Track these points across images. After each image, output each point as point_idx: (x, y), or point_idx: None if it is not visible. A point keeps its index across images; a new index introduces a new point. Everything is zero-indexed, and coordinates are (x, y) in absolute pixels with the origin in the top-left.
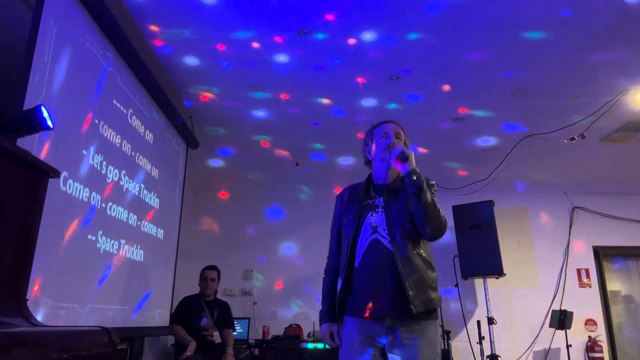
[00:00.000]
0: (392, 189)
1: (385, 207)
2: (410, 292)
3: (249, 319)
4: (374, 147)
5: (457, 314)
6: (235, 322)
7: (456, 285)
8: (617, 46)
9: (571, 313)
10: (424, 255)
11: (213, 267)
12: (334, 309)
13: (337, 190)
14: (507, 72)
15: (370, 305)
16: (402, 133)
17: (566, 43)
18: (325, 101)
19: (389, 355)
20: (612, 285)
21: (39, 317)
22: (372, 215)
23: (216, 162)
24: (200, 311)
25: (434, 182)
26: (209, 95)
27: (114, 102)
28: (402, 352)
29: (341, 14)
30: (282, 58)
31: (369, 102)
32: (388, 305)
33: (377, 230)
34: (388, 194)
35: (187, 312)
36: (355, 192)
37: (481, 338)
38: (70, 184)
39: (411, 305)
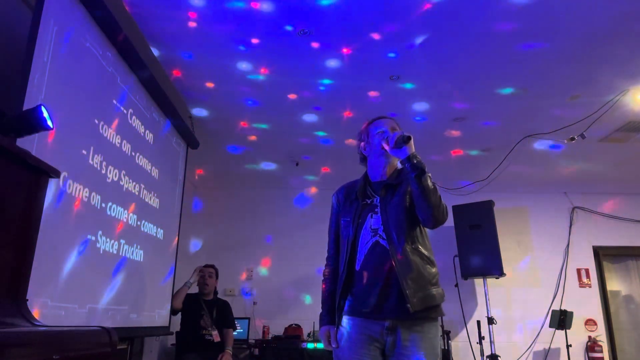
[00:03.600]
0: (388, 183)
1: (381, 204)
2: (407, 291)
3: (249, 319)
4: (370, 143)
5: (457, 314)
6: (235, 322)
7: (456, 285)
8: (617, 46)
9: (571, 313)
10: (421, 250)
11: (210, 265)
12: (334, 311)
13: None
14: (507, 71)
15: (373, 307)
16: (398, 128)
17: (566, 43)
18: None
19: (389, 356)
20: (612, 285)
21: (39, 317)
22: (371, 216)
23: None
24: (199, 310)
25: (429, 174)
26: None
27: (114, 102)
28: (402, 353)
29: None
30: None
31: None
32: (390, 307)
33: (378, 233)
34: (385, 189)
35: (185, 309)
36: (352, 192)
37: (481, 338)
38: (70, 184)
39: (408, 305)
